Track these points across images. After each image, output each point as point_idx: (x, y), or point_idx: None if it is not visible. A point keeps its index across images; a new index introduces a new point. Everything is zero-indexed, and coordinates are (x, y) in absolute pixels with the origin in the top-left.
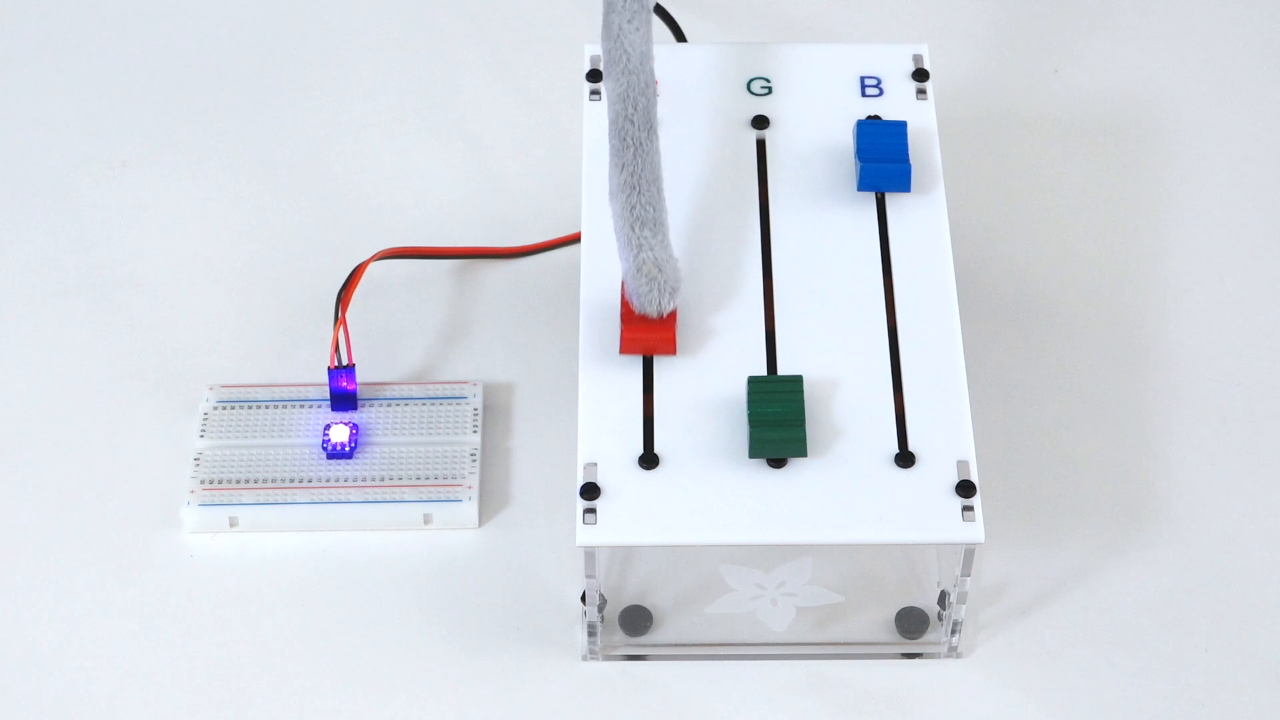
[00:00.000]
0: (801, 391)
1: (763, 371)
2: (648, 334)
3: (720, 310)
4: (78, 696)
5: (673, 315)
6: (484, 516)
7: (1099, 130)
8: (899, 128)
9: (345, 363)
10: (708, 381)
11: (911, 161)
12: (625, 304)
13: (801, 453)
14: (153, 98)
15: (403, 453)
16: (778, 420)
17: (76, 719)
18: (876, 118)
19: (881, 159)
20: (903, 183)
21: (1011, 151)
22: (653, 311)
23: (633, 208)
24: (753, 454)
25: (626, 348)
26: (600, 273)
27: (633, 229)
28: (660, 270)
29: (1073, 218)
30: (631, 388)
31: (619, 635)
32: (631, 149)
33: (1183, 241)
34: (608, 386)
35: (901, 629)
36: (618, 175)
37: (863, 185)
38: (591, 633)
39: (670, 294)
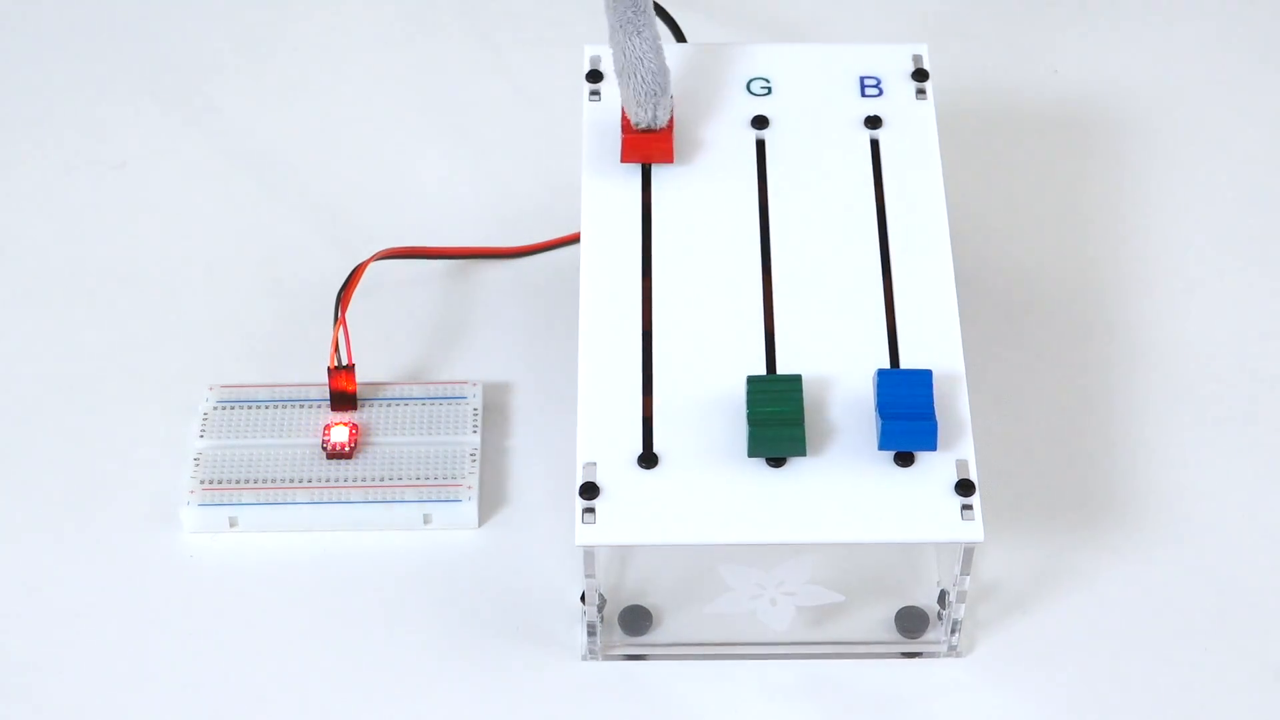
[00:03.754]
0: (800, 391)
1: (761, 371)
2: (647, 141)
3: (719, 309)
4: (77, 697)
5: (669, 123)
6: (483, 516)
7: (1099, 130)
8: (923, 377)
9: (345, 363)
10: (707, 381)
11: (911, 161)
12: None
13: (801, 452)
14: (153, 98)
15: (402, 453)
16: (777, 419)
17: (75, 719)
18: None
19: (904, 415)
20: (929, 441)
21: (1011, 151)
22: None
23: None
24: (752, 453)
25: (627, 156)
26: (600, 272)
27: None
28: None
29: (1072, 217)
30: (631, 387)
31: (619, 635)
32: None
33: (1183, 241)
34: (607, 386)
35: (901, 628)
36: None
37: (884, 445)
38: (591, 632)
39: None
